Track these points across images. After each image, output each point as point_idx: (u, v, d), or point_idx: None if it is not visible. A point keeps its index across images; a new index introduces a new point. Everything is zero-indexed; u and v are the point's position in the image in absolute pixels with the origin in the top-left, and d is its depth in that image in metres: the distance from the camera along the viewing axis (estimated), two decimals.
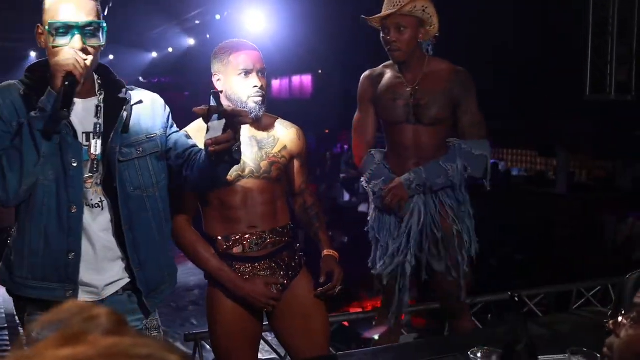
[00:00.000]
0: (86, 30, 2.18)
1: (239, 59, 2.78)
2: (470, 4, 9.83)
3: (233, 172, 2.71)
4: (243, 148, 2.79)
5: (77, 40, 2.16)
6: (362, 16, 3.45)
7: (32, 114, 2.10)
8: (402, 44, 3.38)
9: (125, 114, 2.30)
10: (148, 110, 2.40)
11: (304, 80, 21.87)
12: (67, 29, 2.16)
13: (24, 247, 2.20)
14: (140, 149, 2.34)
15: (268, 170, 2.85)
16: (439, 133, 3.50)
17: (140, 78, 20.27)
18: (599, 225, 9.74)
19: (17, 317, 4.69)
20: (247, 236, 2.82)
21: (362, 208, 12.55)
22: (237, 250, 2.83)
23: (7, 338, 5.21)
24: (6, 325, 5.44)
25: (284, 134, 2.96)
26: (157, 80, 20.82)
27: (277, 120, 2.98)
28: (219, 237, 2.84)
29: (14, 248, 2.24)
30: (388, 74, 3.58)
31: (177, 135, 2.48)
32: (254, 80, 2.78)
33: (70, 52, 2.14)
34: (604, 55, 6.80)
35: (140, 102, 2.38)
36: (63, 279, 2.21)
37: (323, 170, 16.77)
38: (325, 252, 2.98)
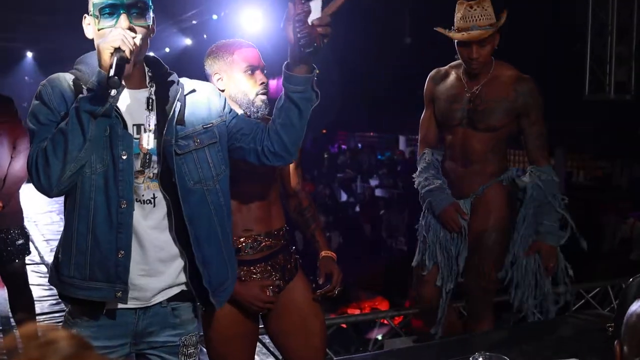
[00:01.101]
0: (132, 10, 2.12)
1: (245, 56, 2.73)
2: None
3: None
4: None
5: (123, 20, 2.09)
6: (446, 32, 3.45)
7: (81, 95, 2.03)
8: (483, 58, 3.44)
9: (179, 105, 2.21)
10: (203, 99, 2.30)
11: None
12: (112, 10, 2.10)
13: (71, 245, 2.12)
14: (198, 141, 2.23)
15: (265, 171, 2.81)
16: (490, 139, 3.54)
17: None
18: (598, 226, 9.69)
19: (12, 320, 4.68)
20: (242, 239, 2.80)
21: (360, 208, 12.54)
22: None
23: (2, 340, 5.17)
24: (1, 327, 5.40)
25: None
26: None
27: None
28: None
29: (61, 246, 2.16)
30: (452, 76, 3.64)
31: (239, 119, 2.38)
32: (261, 77, 2.75)
33: (118, 30, 2.06)
34: (603, 55, 6.78)
35: (194, 91, 2.28)
36: (112, 279, 2.12)
37: (320, 171, 16.75)
38: (322, 253, 2.95)
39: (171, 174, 2.17)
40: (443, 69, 3.71)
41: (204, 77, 2.84)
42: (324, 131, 20.44)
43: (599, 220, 9.65)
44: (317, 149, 19.28)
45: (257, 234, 2.81)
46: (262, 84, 2.73)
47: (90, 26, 2.18)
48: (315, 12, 2.16)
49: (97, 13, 2.12)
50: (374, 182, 15.48)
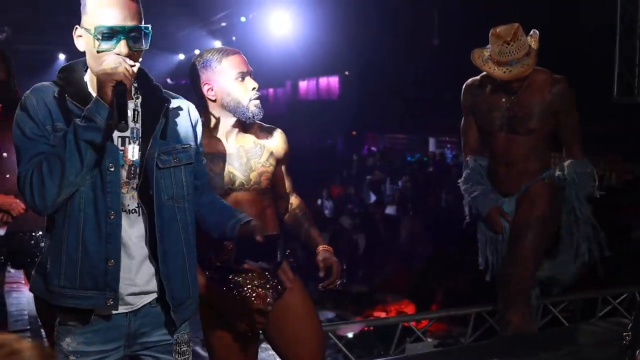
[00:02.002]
0: (132, 35, 2.12)
1: (233, 63, 2.72)
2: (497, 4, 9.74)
3: (223, 186, 2.72)
4: (232, 160, 2.77)
5: (122, 45, 2.10)
6: (490, 71, 3.65)
7: (79, 122, 2.04)
8: (522, 81, 3.64)
9: (164, 120, 2.24)
10: (184, 119, 2.33)
11: (331, 82, 21.84)
12: (112, 33, 2.10)
13: (60, 255, 2.13)
14: (177, 158, 2.28)
15: (258, 181, 2.82)
16: (530, 141, 3.76)
17: (168, 80, 20.39)
18: (629, 230, 9.53)
19: (39, 319, 4.73)
20: None
21: (389, 210, 12.48)
22: (228, 262, 2.79)
23: (30, 341, 5.23)
24: (29, 327, 5.47)
25: (269, 140, 2.90)
26: (185, 82, 20.90)
27: (259, 126, 2.90)
28: (212, 250, 2.82)
29: (49, 257, 2.16)
30: (488, 86, 3.82)
31: (203, 165, 2.45)
32: (252, 83, 2.74)
33: (117, 58, 2.08)
34: (631, 58, 6.75)
35: (179, 108, 2.31)
36: (102, 287, 2.15)
37: (350, 172, 16.72)
38: (320, 247, 2.92)
39: (149, 186, 2.20)
40: (477, 79, 3.88)
41: None
42: (354, 133, 20.42)
43: (629, 224, 9.50)
44: (346, 150, 19.28)
45: None
46: (253, 89, 2.73)
47: (82, 39, 2.17)
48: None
49: (98, 36, 2.10)
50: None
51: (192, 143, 2.34)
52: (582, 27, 9.57)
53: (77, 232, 2.13)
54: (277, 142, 2.91)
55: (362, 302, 8.38)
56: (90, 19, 2.13)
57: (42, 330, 4.55)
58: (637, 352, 1.37)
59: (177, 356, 2.32)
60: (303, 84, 23.51)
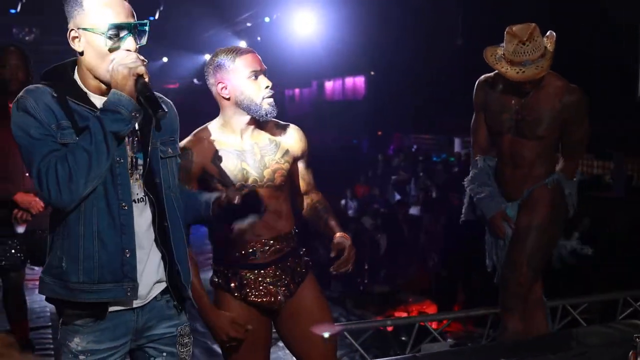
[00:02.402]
0: (136, 31, 2.20)
1: (247, 62, 2.75)
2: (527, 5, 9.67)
3: (236, 182, 2.74)
4: (246, 156, 2.80)
5: (130, 42, 2.17)
6: (503, 71, 3.55)
7: (102, 114, 2.10)
8: (536, 83, 3.56)
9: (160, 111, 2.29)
10: (171, 112, 2.39)
11: (357, 82, 21.82)
12: (120, 31, 2.16)
13: (78, 252, 2.17)
14: (170, 149, 2.37)
15: (271, 178, 2.83)
16: (537, 147, 3.68)
17: (195, 80, 20.47)
18: None
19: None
20: (251, 244, 2.83)
21: (413, 211, 12.43)
22: (242, 258, 2.84)
23: (51, 336, 5.31)
24: (50, 324, 5.55)
25: (285, 138, 2.92)
26: None
27: (275, 123, 2.93)
28: (223, 246, 2.87)
29: (64, 255, 2.19)
30: (500, 85, 3.73)
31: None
32: (265, 81, 2.77)
33: (131, 54, 2.15)
34: None
35: (164, 102, 2.35)
36: (120, 278, 2.20)
37: (375, 173, 16.67)
38: (337, 234, 2.90)
39: (154, 174, 2.27)
40: (491, 76, 3.79)
41: None
42: (379, 133, 20.38)
43: None
44: (372, 151, 19.24)
45: (267, 239, 2.84)
46: (267, 87, 2.76)
47: (81, 40, 2.18)
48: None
49: (109, 33, 2.15)
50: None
51: (176, 136, 2.43)
52: (605, 27, 9.45)
53: (92, 227, 2.17)
54: (293, 139, 2.93)
55: (383, 302, 8.38)
56: (92, 18, 2.16)
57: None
58: (631, 352, 1.36)
59: (180, 347, 2.39)
60: (329, 84, 23.51)
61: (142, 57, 2.17)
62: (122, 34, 2.17)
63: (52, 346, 5.11)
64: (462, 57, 11.43)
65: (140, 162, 2.26)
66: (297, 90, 25.19)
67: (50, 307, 5.42)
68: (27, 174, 4.04)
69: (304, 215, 3.06)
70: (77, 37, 2.19)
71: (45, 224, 4.08)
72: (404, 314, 7.75)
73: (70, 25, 2.20)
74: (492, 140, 3.87)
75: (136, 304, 2.27)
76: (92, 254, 2.17)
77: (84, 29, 2.17)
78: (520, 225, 3.74)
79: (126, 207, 2.20)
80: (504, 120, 3.70)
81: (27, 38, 13.36)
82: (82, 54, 2.20)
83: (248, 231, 2.76)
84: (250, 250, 2.83)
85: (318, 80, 23.32)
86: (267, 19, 12.94)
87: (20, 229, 4.06)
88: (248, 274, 2.84)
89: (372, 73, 19.53)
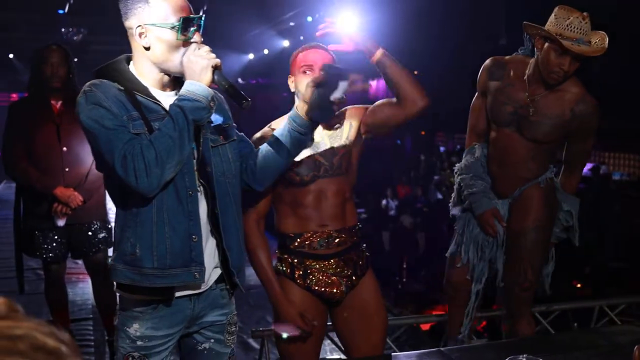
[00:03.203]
0: (200, 25, 2.28)
1: (303, 57, 2.85)
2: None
3: (309, 172, 2.84)
4: (317, 146, 2.89)
5: (198, 36, 2.27)
6: (558, 37, 3.17)
7: (184, 103, 2.17)
8: (568, 73, 3.26)
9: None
10: (220, 100, 2.48)
11: None
12: (187, 24, 2.24)
13: (151, 238, 2.24)
14: (222, 136, 2.43)
15: (340, 164, 2.92)
16: (534, 148, 3.44)
17: (239, 79, 20.66)
18: None
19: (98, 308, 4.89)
20: (317, 234, 2.91)
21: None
22: (307, 247, 2.92)
23: (92, 328, 5.43)
24: (91, 316, 5.67)
25: (346, 119, 3.00)
26: (255, 81, 21.19)
27: (338, 113, 3.01)
28: (291, 234, 2.94)
29: (139, 242, 2.25)
30: (511, 73, 3.45)
31: (241, 136, 2.58)
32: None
33: (204, 47, 2.24)
34: None
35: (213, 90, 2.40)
36: (188, 263, 2.28)
37: (417, 173, 16.61)
38: None
39: (206, 163, 2.34)
40: (500, 61, 3.52)
41: None
42: (423, 133, 20.28)
43: None
44: (415, 150, 19.16)
45: (332, 230, 2.92)
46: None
47: (148, 35, 2.24)
48: (339, 91, 2.42)
49: (180, 27, 2.22)
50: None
51: (230, 122, 2.49)
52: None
53: (163, 214, 2.25)
54: (352, 113, 3.02)
55: (421, 301, 8.36)
56: (160, 13, 2.23)
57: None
58: (636, 347, 1.35)
59: (227, 335, 2.49)
60: (372, 83, 23.47)
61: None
62: (190, 28, 2.24)
63: (92, 337, 5.24)
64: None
65: (194, 153, 2.32)
66: None
67: (91, 300, 5.53)
68: (67, 169, 4.15)
69: None
70: (143, 32, 2.24)
71: (85, 218, 4.24)
72: (441, 313, 7.71)
73: (134, 22, 2.25)
74: (490, 131, 3.59)
75: (192, 292, 2.35)
76: (164, 239, 2.25)
77: (152, 25, 2.23)
78: (515, 228, 3.54)
79: (192, 194, 2.28)
80: (506, 112, 3.42)
81: (75, 38, 13.62)
82: (148, 49, 2.26)
83: (314, 220, 2.89)
84: (317, 240, 2.91)
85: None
86: (309, 19, 12.98)
87: (61, 222, 4.16)
88: (313, 264, 2.92)
89: (416, 72, 19.40)
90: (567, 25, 3.16)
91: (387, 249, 9.59)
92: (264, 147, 2.53)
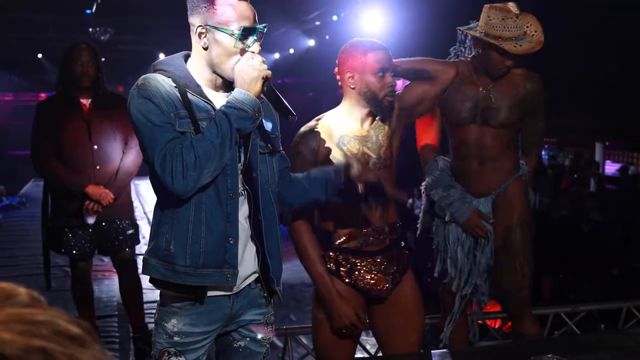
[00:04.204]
0: (261, 36, 2.29)
1: (376, 58, 2.83)
2: None
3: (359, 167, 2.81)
4: (366, 140, 2.94)
5: (257, 46, 2.27)
6: (500, 43, 3.25)
7: (230, 111, 2.19)
8: (512, 66, 3.38)
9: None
10: (269, 110, 2.46)
11: None
12: (248, 34, 2.24)
13: (186, 235, 2.26)
14: (269, 145, 2.44)
15: (386, 157, 2.95)
16: (504, 135, 3.49)
17: None
18: None
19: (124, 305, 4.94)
20: (363, 231, 2.93)
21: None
22: (351, 244, 2.93)
23: (117, 325, 5.47)
24: (116, 313, 5.72)
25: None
26: (281, 81, 21.18)
27: None
28: (335, 231, 2.95)
29: (174, 239, 2.27)
30: (461, 72, 3.43)
31: (283, 152, 2.58)
32: (390, 80, 2.85)
33: (258, 57, 2.25)
34: None
35: (263, 100, 2.40)
36: (221, 264, 2.29)
37: None
38: None
39: (253, 169, 2.35)
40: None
41: (329, 76, 3.00)
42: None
43: None
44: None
45: (377, 227, 2.94)
46: (390, 86, 2.85)
47: (207, 37, 2.26)
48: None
49: (240, 35, 2.22)
50: None
51: (278, 133, 2.50)
52: None
53: (200, 213, 2.26)
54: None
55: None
56: (223, 18, 2.24)
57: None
58: None
59: (263, 335, 2.49)
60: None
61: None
62: (250, 37, 2.25)
63: (117, 334, 5.28)
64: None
65: (241, 157, 2.33)
66: None
67: (117, 297, 5.58)
68: (97, 167, 4.20)
69: None
70: (203, 33, 2.27)
71: (114, 215, 4.28)
72: (467, 312, 7.67)
73: (197, 21, 2.27)
74: (451, 133, 3.59)
75: (228, 292, 2.36)
76: (199, 238, 2.26)
77: (214, 27, 2.24)
78: (505, 226, 3.53)
79: (233, 197, 2.29)
80: (466, 109, 3.46)
81: (102, 38, 13.74)
82: (205, 49, 2.28)
83: (359, 217, 2.90)
84: (362, 237, 2.92)
85: None
86: (335, 18, 12.97)
87: (91, 220, 4.21)
88: (358, 261, 2.94)
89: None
90: (504, 27, 3.24)
91: (413, 248, 9.53)
92: (296, 177, 2.57)
